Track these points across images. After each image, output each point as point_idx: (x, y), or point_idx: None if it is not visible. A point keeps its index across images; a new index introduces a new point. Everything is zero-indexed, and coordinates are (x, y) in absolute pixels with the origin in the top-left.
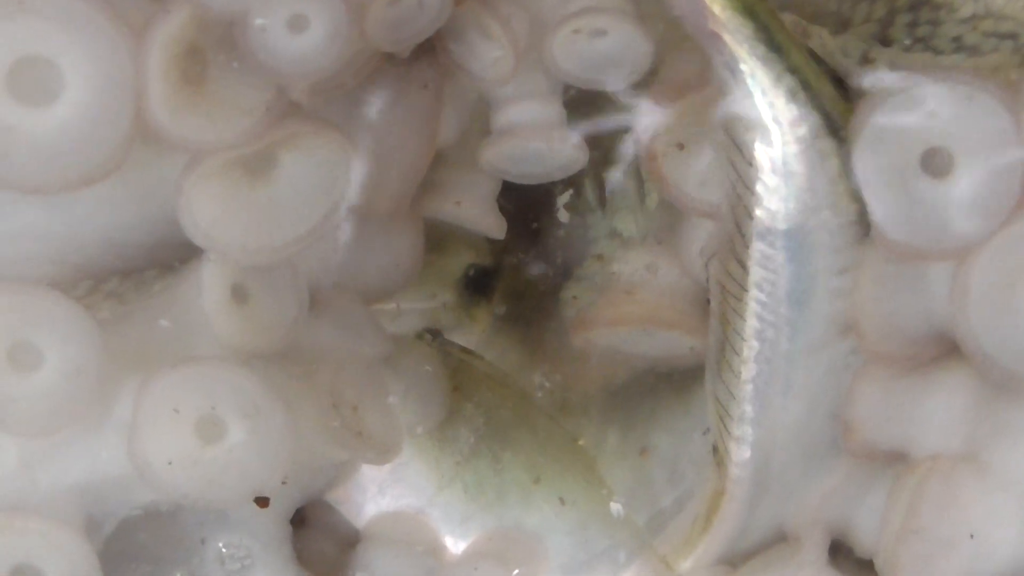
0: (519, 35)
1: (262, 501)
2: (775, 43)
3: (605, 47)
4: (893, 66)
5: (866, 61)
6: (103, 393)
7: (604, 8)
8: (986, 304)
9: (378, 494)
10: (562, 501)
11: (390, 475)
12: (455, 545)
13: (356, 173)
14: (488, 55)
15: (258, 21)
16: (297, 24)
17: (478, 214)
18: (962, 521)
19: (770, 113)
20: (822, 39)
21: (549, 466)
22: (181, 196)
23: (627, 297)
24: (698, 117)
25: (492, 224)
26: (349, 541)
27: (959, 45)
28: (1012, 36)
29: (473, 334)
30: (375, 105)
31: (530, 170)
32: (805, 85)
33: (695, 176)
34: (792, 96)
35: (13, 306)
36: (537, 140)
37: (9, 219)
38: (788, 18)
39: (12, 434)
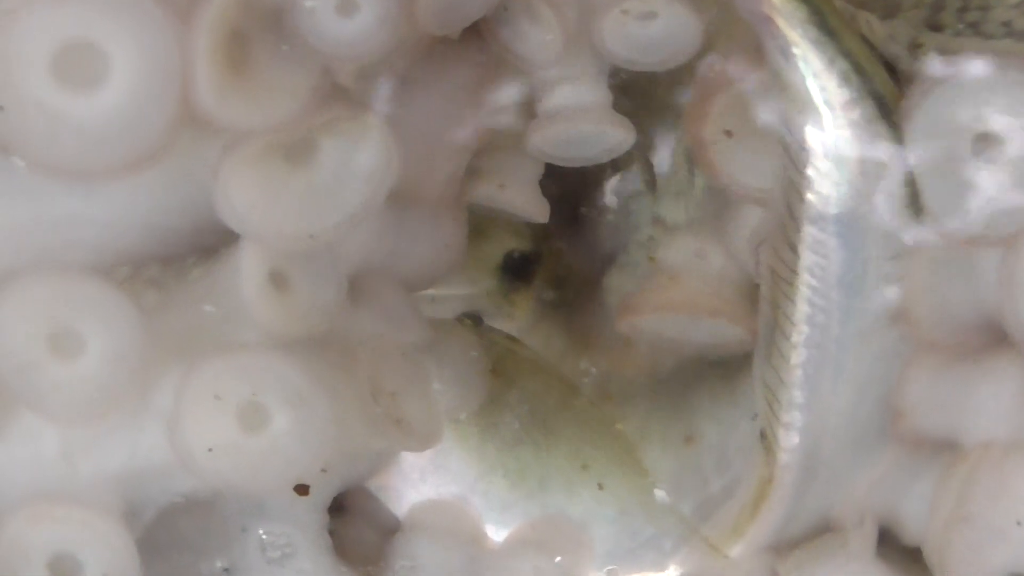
0: (568, 18)
1: (302, 489)
2: (828, 27)
3: (655, 30)
4: (942, 51)
5: (915, 47)
6: (145, 380)
7: None
8: None
9: (419, 481)
10: (603, 488)
11: (431, 462)
12: (496, 533)
13: (399, 159)
14: (537, 38)
15: (307, 4)
16: (346, 8)
17: (522, 198)
18: (1012, 509)
19: (822, 97)
20: (870, 24)
21: (593, 454)
22: (218, 180)
23: (672, 283)
24: (746, 104)
25: (536, 208)
26: (390, 529)
27: (1009, 30)
28: None
29: (514, 319)
30: (422, 88)
31: (576, 153)
32: (858, 69)
33: (744, 162)
34: (845, 80)
35: (55, 293)
36: (584, 123)
37: (49, 206)
38: (836, 3)
39: (54, 420)
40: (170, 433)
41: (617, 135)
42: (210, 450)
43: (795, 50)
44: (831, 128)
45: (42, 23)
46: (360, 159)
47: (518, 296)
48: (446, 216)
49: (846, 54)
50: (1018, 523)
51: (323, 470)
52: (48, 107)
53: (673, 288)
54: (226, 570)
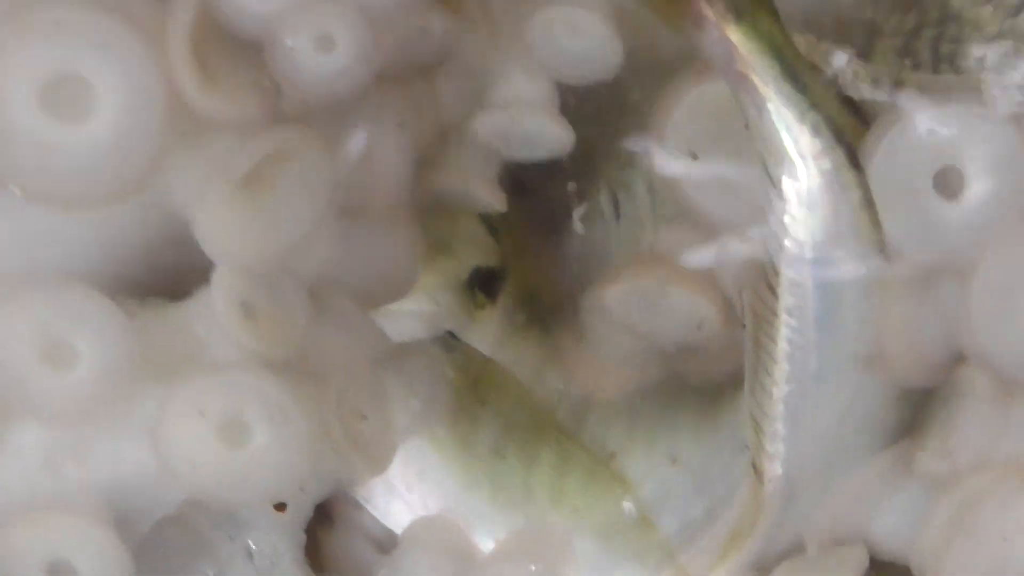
0: (499, 20)
1: (280, 506)
2: (800, 82)
3: (580, 45)
4: (922, 89)
5: (898, 84)
6: (133, 393)
7: (579, 3)
8: (989, 314)
9: (406, 492)
10: (584, 501)
11: (417, 474)
12: (482, 544)
13: (342, 175)
14: (469, 43)
15: (288, 42)
16: (324, 45)
17: (482, 187)
18: (1001, 527)
19: (795, 148)
20: (857, 71)
21: (573, 467)
22: (198, 225)
23: (645, 260)
24: (705, 119)
25: (494, 196)
26: (378, 541)
27: (983, 65)
28: None
29: (482, 337)
30: (358, 109)
31: (518, 149)
32: (828, 121)
33: (711, 188)
34: (816, 132)
35: (50, 302)
36: (524, 118)
37: (26, 224)
38: (807, 41)
39: (45, 427)
40: (155, 446)
41: (555, 133)
42: (193, 464)
43: (769, 105)
44: (804, 178)
45: (30, 58)
46: (306, 177)
47: (484, 314)
48: (397, 229)
49: (817, 107)
50: (1004, 539)
51: (300, 488)
52: (38, 138)
53: (648, 263)
54: None
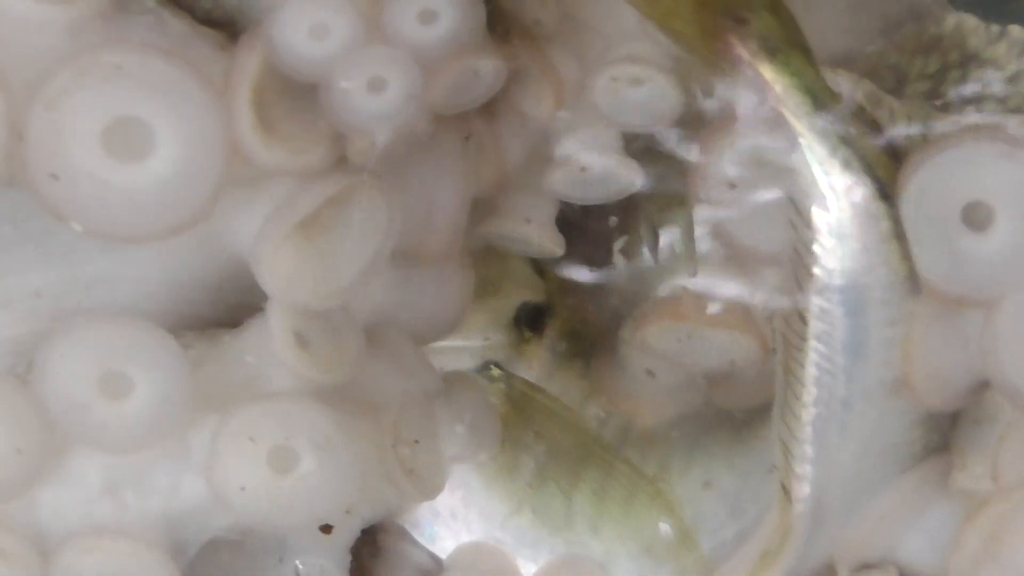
0: (566, 78)
1: (326, 528)
2: (831, 118)
3: (642, 94)
4: (950, 128)
5: (927, 122)
6: (186, 422)
7: (642, 58)
8: (1014, 345)
9: (451, 519)
10: (625, 526)
11: (462, 501)
12: (525, 568)
13: (398, 221)
14: (534, 107)
15: (343, 84)
16: (376, 86)
17: (544, 232)
18: None
19: (826, 181)
20: (891, 110)
21: (615, 492)
22: (259, 264)
23: (681, 299)
24: (742, 155)
25: (556, 241)
26: (424, 568)
27: (1004, 108)
28: None
29: (530, 370)
30: (414, 159)
31: (590, 193)
32: (859, 155)
33: (749, 220)
34: (846, 165)
35: (107, 335)
36: (596, 164)
37: (81, 267)
38: (865, 87)
39: (104, 455)
40: (207, 472)
41: (628, 176)
42: (243, 489)
43: (801, 140)
44: (835, 209)
45: (93, 101)
46: (362, 220)
47: (531, 347)
48: (450, 272)
49: (848, 142)
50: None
51: (347, 511)
52: (98, 177)
53: (685, 303)
54: None
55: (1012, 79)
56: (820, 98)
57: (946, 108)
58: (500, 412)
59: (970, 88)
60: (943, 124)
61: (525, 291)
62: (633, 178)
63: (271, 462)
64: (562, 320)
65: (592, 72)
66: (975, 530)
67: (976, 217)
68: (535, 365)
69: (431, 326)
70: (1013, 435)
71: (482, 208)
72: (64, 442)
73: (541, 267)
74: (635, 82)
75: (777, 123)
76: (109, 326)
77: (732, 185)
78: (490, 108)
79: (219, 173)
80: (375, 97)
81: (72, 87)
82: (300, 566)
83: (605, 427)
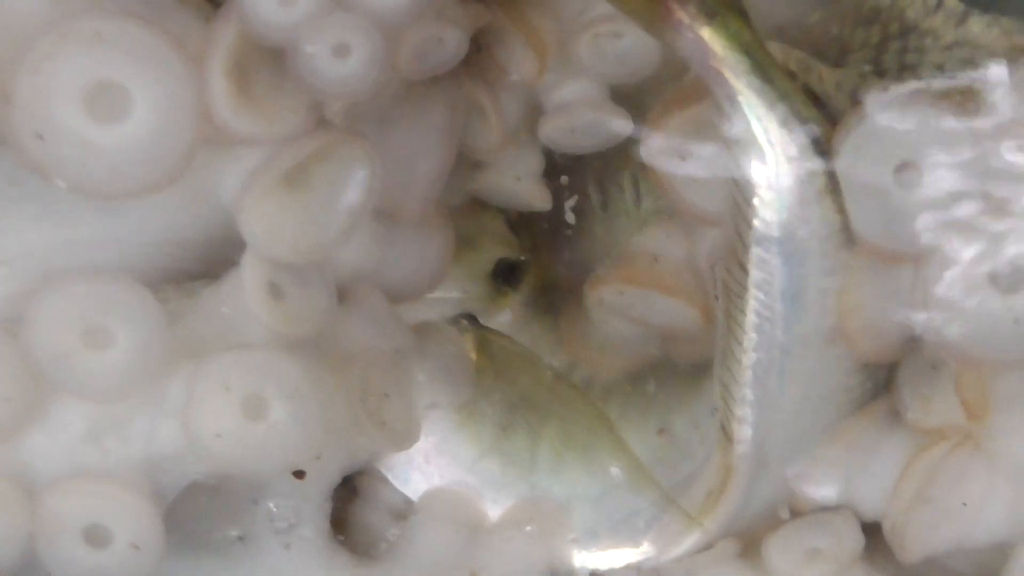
0: (547, 38)
1: (299, 474)
2: (768, 76)
3: (623, 46)
4: (883, 92)
5: (855, 103)
6: (165, 372)
7: (617, 15)
8: (943, 297)
9: (424, 463)
10: (586, 469)
11: (435, 447)
12: (492, 511)
13: (380, 179)
14: (518, 67)
15: (308, 49)
16: (341, 51)
17: (532, 188)
18: (964, 496)
19: (765, 137)
20: (820, 75)
21: (579, 438)
22: (241, 215)
23: (636, 262)
24: (696, 129)
25: (543, 196)
26: (399, 511)
27: (941, 72)
28: (981, 65)
29: (504, 322)
30: (399, 124)
31: (582, 141)
32: (795, 112)
33: (695, 185)
34: (783, 122)
35: (89, 291)
36: (588, 113)
37: (78, 230)
38: (795, 55)
39: (87, 404)
40: (184, 419)
41: (618, 123)
42: (218, 435)
43: (740, 98)
44: (772, 163)
45: (74, 65)
46: (345, 175)
47: (506, 300)
48: (431, 230)
49: (784, 99)
50: (964, 504)
51: (317, 458)
52: (80, 137)
53: (636, 266)
54: (240, 538)
55: (949, 48)
56: (757, 58)
57: (881, 75)
58: (473, 362)
59: (910, 58)
60: (874, 89)
61: (501, 248)
62: (622, 126)
63: (244, 410)
64: (535, 276)
65: (574, 31)
66: (912, 475)
67: (907, 176)
68: (508, 319)
69: (412, 283)
70: (949, 381)
71: (470, 165)
72: (50, 391)
73: (515, 225)
74: (616, 35)
75: (718, 82)
76: (92, 283)
77: (682, 157)
78: (480, 70)
79: (192, 135)
80: (340, 62)
81: (55, 52)
82: (273, 507)
83: (570, 378)
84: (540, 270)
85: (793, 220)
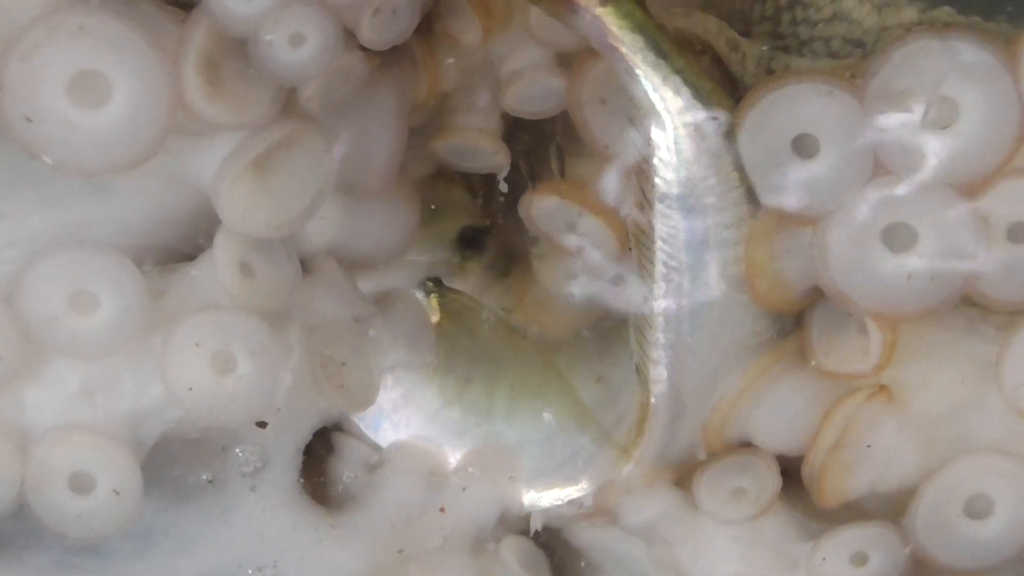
0: (493, 7)
1: (261, 424)
2: (661, 51)
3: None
4: (784, 67)
5: (769, 72)
6: (146, 334)
7: None
8: (841, 258)
9: (392, 412)
10: (536, 416)
11: (402, 397)
12: (453, 456)
13: (337, 161)
14: (470, 35)
15: (266, 37)
16: (296, 40)
17: (494, 141)
18: (877, 442)
19: (662, 104)
20: (745, 52)
21: (530, 387)
22: (218, 199)
23: (581, 184)
24: (613, 77)
25: (504, 152)
26: (371, 462)
27: (828, 48)
28: (860, 44)
29: (468, 284)
30: (358, 107)
31: (536, 106)
32: (688, 82)
33: (613, 128)
34: (677, 91)
35: (76, 260)
36: (541, 78)
37: (64, 210)
38: (727, 32)
39: (78, 362)
40: (161, 373)
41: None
42: (190, 389)
43: (637, 71)
44: (670, 128)
45: (60, 55)
46: (306, 161)
47: (471, 264)
48: (396, 202)
49: (677, 71)
50: (872, 449)
51: (278, 409)
52: (65, 120)
53: (567, 185)
54: (210, 481)
55: (829, 21)
56: (650, 35)
57: (786, 49)
58: (436, 320)
59: (802, 30)
60: (779, 64)
61: (466, 216)
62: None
63: (213, 365)
64: (497, 242)
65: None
66: (830, 425)
67: (804, 147)
68: (471, 281)
69: (379, 251)
70: (856, 327)
71: (431, 132)
72: (44, 352)
73: (477, 193)
74: None
75: (616, 57)
76: (78, 253)
77: (603, 100)
78: (426, 37)
79: (165, 121)
80: (295, 50)
81: (43, 42)
82: (240, 453)
83: (525, 333)
84: (501, 237)
85: (691, 178)
